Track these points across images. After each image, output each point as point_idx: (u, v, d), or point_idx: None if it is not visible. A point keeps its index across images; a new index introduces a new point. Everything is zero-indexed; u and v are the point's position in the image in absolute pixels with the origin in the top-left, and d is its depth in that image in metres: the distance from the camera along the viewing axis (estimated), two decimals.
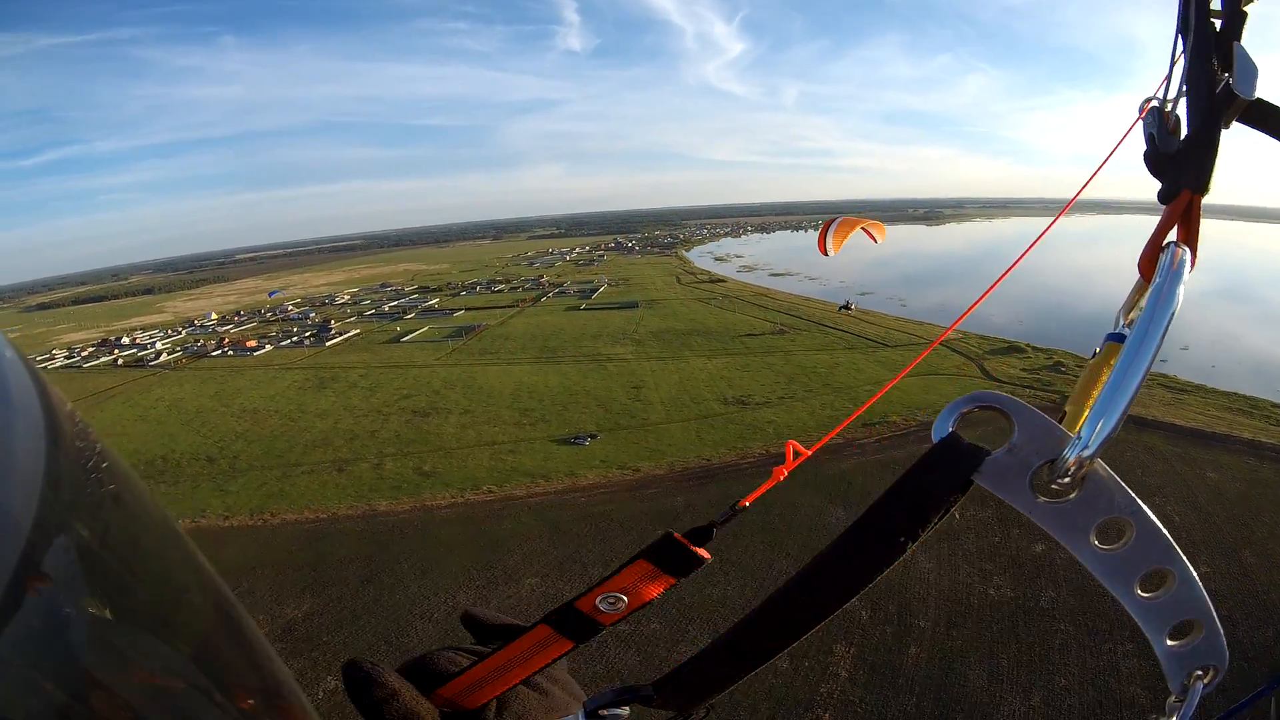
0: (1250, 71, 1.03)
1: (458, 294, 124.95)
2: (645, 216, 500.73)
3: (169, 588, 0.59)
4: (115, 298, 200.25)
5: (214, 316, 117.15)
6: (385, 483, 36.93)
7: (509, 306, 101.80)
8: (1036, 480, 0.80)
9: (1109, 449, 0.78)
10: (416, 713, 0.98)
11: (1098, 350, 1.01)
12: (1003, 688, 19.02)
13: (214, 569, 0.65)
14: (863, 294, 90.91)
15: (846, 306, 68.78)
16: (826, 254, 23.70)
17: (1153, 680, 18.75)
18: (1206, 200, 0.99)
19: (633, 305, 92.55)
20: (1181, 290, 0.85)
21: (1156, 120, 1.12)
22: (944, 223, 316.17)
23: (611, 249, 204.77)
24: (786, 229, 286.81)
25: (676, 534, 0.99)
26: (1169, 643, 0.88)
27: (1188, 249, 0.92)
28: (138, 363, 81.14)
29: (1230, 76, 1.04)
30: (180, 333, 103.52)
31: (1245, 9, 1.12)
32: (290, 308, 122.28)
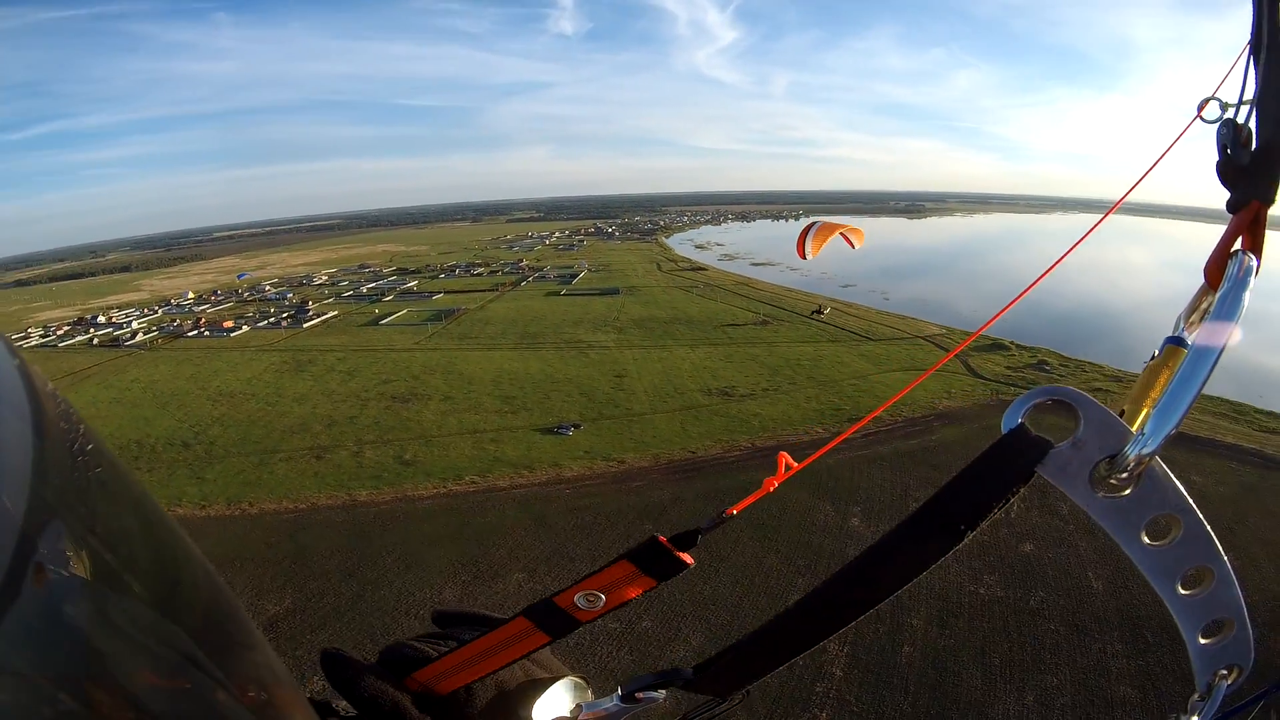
0: None
1: (436, 276, 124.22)
2: (626, 202, 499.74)
3: (164, 572, 0.58)
4: (93, 275, 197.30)
5: (190, 296, 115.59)
6: (366, 472, 36.39)
7: (488, 290, 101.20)
8: (1095, 475, 0.84)
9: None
10: (389, 693, 1.02)
11: (1156, 353, 1.02)
12: (996, 687, 19.18)
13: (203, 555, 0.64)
14: (845, 286, 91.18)
15: (819, 311, 68.68)
16: (805, 258, 23.78)
17: (1141, 679, 19.03)
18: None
19: (614, 292, 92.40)
20: (1248, 296, 0.88)
21: (1231, 133, 1.08)
22: (926, 216, 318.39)
23: (591, 234, 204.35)
24: (767, 218, 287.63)
25: (661, 537, 1.02)
26: (1201, 640, 0.91)
27: (1255, 257, 0.95)
28: (113, 342, 79.78)
29: None
30: (157, 311, 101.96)
31: None
32: (268, 288, 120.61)
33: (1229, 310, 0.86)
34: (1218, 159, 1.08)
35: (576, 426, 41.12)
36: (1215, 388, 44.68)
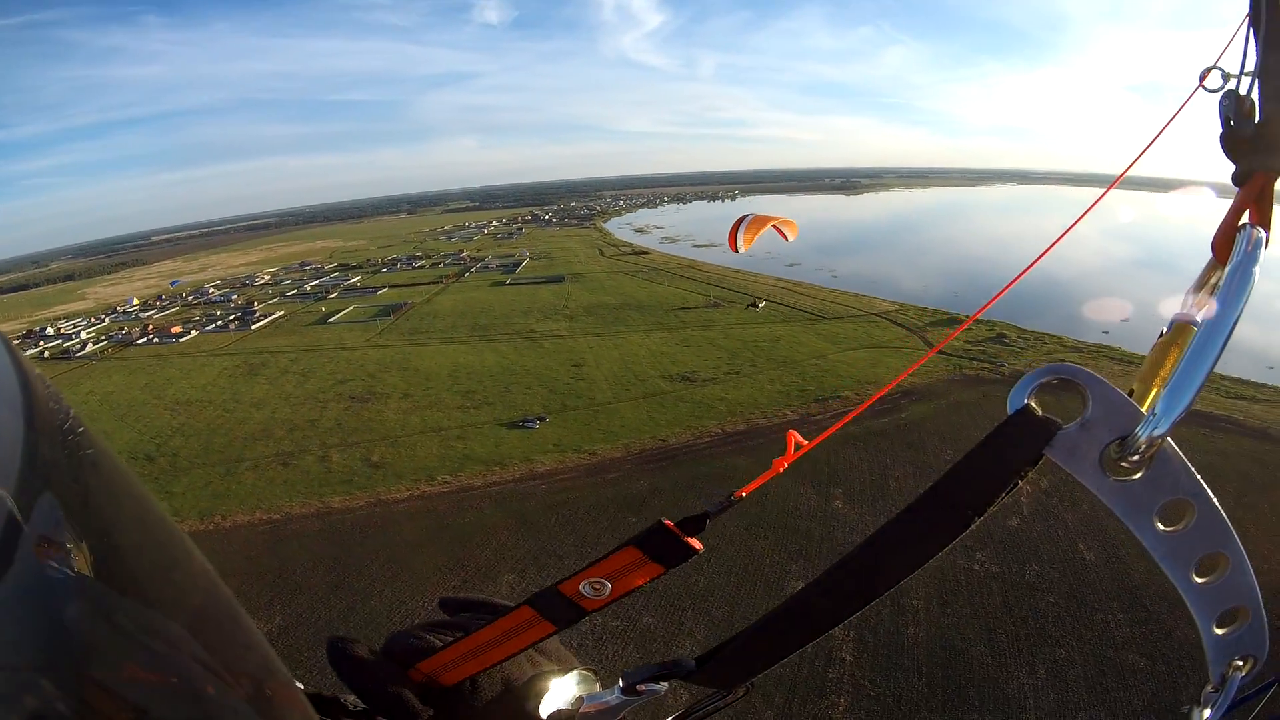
0: None
1: (379, 271, 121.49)
2: (559, 188, 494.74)
3: (158, 555, 0.57)
4: (37, 285, 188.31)
5: (135, 302, 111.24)
6: (335, 476, 35.52)
7: (433, 283, 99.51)
8: (1105, 457, 0.81)
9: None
10: (391, 687, 1.01)
11: (1164, 331, 1.01)
12: (1006, 662, 19.23)
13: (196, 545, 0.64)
14: (790, 265, 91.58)
15: (754, 305, 68.31)
16: (737, 251, 23.48)
17: (1148, 646, 19.21)
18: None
19: (559, 279, 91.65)
20: (1258, 270, 0.87)
21: (1233, 104, 1.09)
22: (862, 192, 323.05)
23: (529, 221, 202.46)
24: (703, 199, 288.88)
25: (668, 521, 1.00)
26: (1216, 630, 0.90)
27: (1263, 230, 0.96)
28: (64, 354, 76.48)
29: None
30: (104, 320, 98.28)
31: None
32: (211, 290, 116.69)
33: (1239, 285, 0.83)
34: (1221, 131, 1.08)
35: (542, 419, 40.57)
36: (1224, 367, 45.54)
